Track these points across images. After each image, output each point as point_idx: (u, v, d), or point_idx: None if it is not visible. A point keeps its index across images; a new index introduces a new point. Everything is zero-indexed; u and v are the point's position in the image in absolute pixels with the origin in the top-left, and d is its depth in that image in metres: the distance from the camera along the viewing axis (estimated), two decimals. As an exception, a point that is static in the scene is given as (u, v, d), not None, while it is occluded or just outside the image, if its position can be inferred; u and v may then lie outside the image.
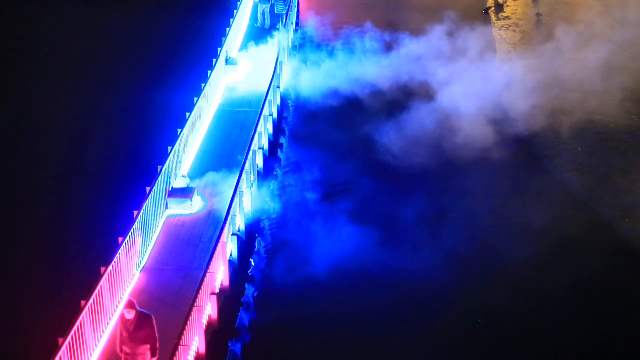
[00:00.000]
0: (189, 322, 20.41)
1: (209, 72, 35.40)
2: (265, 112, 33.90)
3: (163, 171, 26.56)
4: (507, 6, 57.67)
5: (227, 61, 39.00)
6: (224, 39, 39.87)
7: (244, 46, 42.79)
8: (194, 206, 27.21)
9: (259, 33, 44.99)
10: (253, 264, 27.59)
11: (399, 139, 35.10)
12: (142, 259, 24.24)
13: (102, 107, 38.44)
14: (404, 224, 29.59)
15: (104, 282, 20.90)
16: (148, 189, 25.50)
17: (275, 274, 27.05)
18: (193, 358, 21.07)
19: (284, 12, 45.24)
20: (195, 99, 32.15)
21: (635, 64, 44.43)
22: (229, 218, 25.29)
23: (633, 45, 46.46)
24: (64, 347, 18.49)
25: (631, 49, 46.37)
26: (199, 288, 21.60)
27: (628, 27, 49.36)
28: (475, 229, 29.72)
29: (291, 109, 40.68)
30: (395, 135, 35.56)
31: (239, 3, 45.90)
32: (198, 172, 29.48)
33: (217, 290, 23.40)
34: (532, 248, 28.28)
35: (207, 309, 22.39)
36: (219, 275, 24.07)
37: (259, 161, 31.68)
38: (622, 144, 36.32)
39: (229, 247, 24.92)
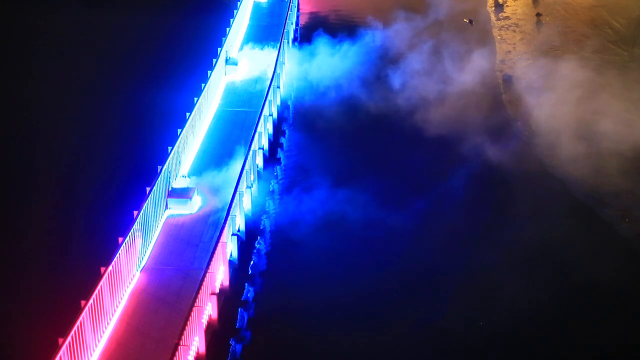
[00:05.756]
0: (189, 322, 20.43)
1: (209, 72, 35.40)
2: (265, 112, 33.92)
3: (163, 171, 26.57)
4: (507, 6, 57.67)
5: (227, 61, 39.01)
6: (224, 39, 39.88)
7: (244, 46, 42.80)
8: (194, 206, 27.21)
9: (259, 33, 45.03)
10: (253, 264, 27.63)
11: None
12: (142, 259, 24.25)
13: (102, 107, 38.44)
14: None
15: (104, 282, 20.92)
16: (148, 189, 25.50)
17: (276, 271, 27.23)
18: (193, 358, 21.08)
19: None
20: (195, 99, 32.16)
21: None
22: (229, 218, 25.30)
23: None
24: (64, 347, 18.51)
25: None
26: (199, 288, 21.61)
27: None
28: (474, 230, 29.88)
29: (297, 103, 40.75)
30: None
31: (239, 3, 45.92)
32: (198, 172, 29.48)
33: (217, 290, 23.41)
34: (532, 247, 28.41)
35: (207, 309, 22.40)
36: (219, 275, 24.07)
37: (259, 161, 31.72)
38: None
39: (229, 247, 24.93)
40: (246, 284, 26.44)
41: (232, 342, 23.80)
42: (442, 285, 26.65)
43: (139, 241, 23.69)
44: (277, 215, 30.59)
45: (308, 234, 28.72)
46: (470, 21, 53.30)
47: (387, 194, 31.69)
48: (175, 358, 19.31)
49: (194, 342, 21.12)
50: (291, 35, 47.65)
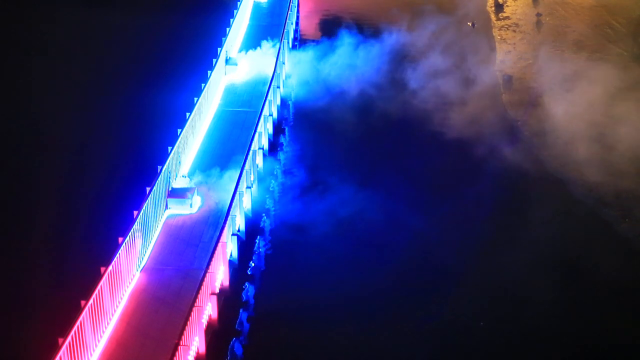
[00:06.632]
0: (189, 322, 20.44)
1: (209, 72, 35.40)
2: (265, 112, 33.92)
3: (163, 171, 26.57)
4: (507, 6, 57.68)
5: (227, 61, 39.01)
6: (224, 39, 39.87)
7: (244, 46, 42.81)
8: (194, 206, 27.22)
9: (259, 33, 45.01)
10: (253, 264, 27.65)
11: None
12: (142, 259, 24.26)
13: (102, 107, 38.44)
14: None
15: (104, 282, 20.92)
16: (148, 189, 25.51)
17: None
18: (193, 358, 21.09)
19: None
20: (195, 99, 32.16)
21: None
22: (229, 218, 25.31)
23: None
24: (64, 347, 18.52)
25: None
26: (199, 288, 21.62)
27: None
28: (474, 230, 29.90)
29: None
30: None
31: (239, 3, 45.91)
32: (198, 172, 29.48)
33: (217, 290, 23.42)
34: (531, 247, 28.43)
35: (207, 309, 22.41)
36: (219, 275, 24.08)
37: (259, 161, 31.72)
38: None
39: (229, 247, 24.94)
40: (246, 284, 26.46)
41: (232, 342, 23.82)
42: (442, 285, 26.66)
43: (139, 241, 23.70)
44: (277, 215, 30.60)
45: (308, 233, 28.73)
46: (473, 24, 53.32)
47: (385, 193, 31.70)
48: (175, 358, 19.31)
49: (194, 342, 21.13)
50: (291, 35, 47.63)
